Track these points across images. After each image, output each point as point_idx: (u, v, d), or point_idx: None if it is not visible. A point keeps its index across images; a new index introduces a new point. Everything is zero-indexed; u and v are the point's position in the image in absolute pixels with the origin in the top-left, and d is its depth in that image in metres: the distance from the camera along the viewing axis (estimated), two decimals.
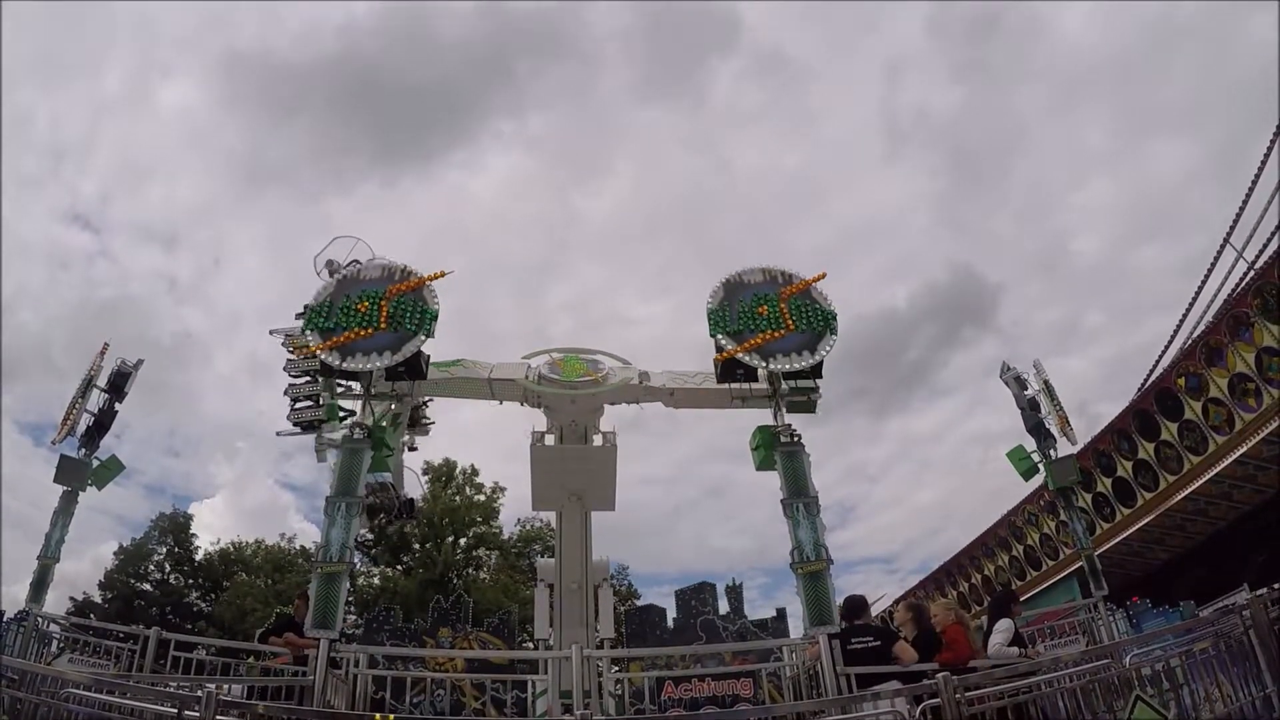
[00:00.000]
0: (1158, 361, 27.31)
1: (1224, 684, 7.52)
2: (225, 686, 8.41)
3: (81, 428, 11.79)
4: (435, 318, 11.44)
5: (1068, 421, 13.33)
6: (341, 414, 12.64)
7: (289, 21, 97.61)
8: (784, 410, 11.06)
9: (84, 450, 11.74)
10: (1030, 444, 13.62)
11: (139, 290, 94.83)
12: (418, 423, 15.29)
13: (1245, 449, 19.95)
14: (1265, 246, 22.65)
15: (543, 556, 32.09)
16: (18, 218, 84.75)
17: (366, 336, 10.99)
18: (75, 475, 11.49)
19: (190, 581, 49.61)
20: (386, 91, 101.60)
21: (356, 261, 12.85)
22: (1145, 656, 7.87)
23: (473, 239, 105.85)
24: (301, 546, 47.50)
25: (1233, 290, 22.21)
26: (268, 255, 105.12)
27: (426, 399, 14.79)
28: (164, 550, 49.48)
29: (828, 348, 11.31)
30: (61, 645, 11.26)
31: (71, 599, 44.53)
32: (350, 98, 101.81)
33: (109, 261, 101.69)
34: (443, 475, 44.73)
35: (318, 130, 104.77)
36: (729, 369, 11.35)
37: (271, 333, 13.64)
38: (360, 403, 10.95)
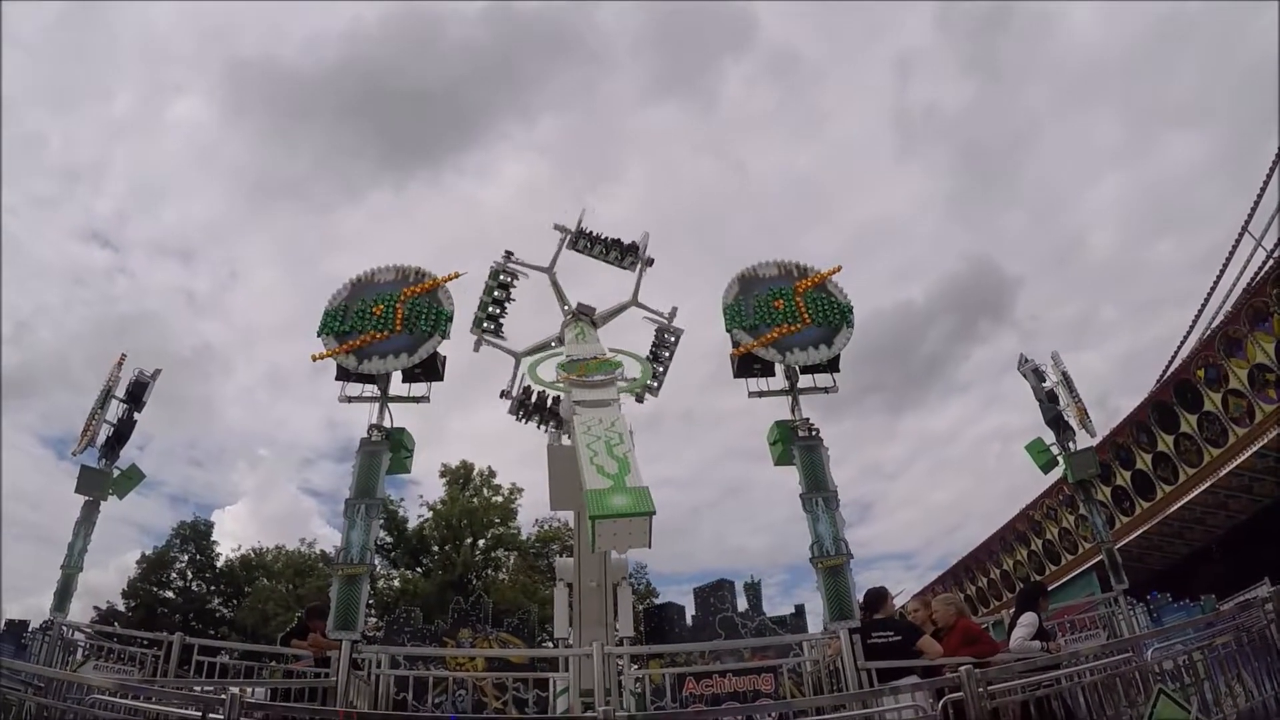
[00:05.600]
0: (1176, 353, 27.18)
1: (1245, 679, 7.48)
2: (249, 689, 8.48)
3: (101, 438, 11.85)
4: (450, 319, 11.50)
5: (1086, 413, 13.24)
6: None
7: (294, 29, 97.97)
8: (800, 405, 11.03)
9: (104, 460, 11.79)
10: (1049, 437, 13.55)
11: (158, 305, 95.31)
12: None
13: (1265, 441, 19.79)
14: None
15: (561, 556, 32.11)
16: (34, 238, 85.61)
17: (383, 339, 11.06)
18: (96, 485, 11.53)
19: (212, 588, 49.87)
20: (394, 97, 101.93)
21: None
22: (1166, 651, 7.84)
23: (486, 244, 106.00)
24: (321, 551, 47.69)
25: (1252, 280, 22.07)
26: (281, 268, 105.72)
27: None
28: (186, 558, 49.76)
29: (844, 341, 11.30)
30: (86, 653, 11.34)
31: (96, 608, 44.80)
32: (358, 105, 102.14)
33: (127, 277, 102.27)
34: (460, 478, 44.83)
35: (326, 139, 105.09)
36: (746, 364, 11.34)
37: None
38: (378, 406, 10.93)
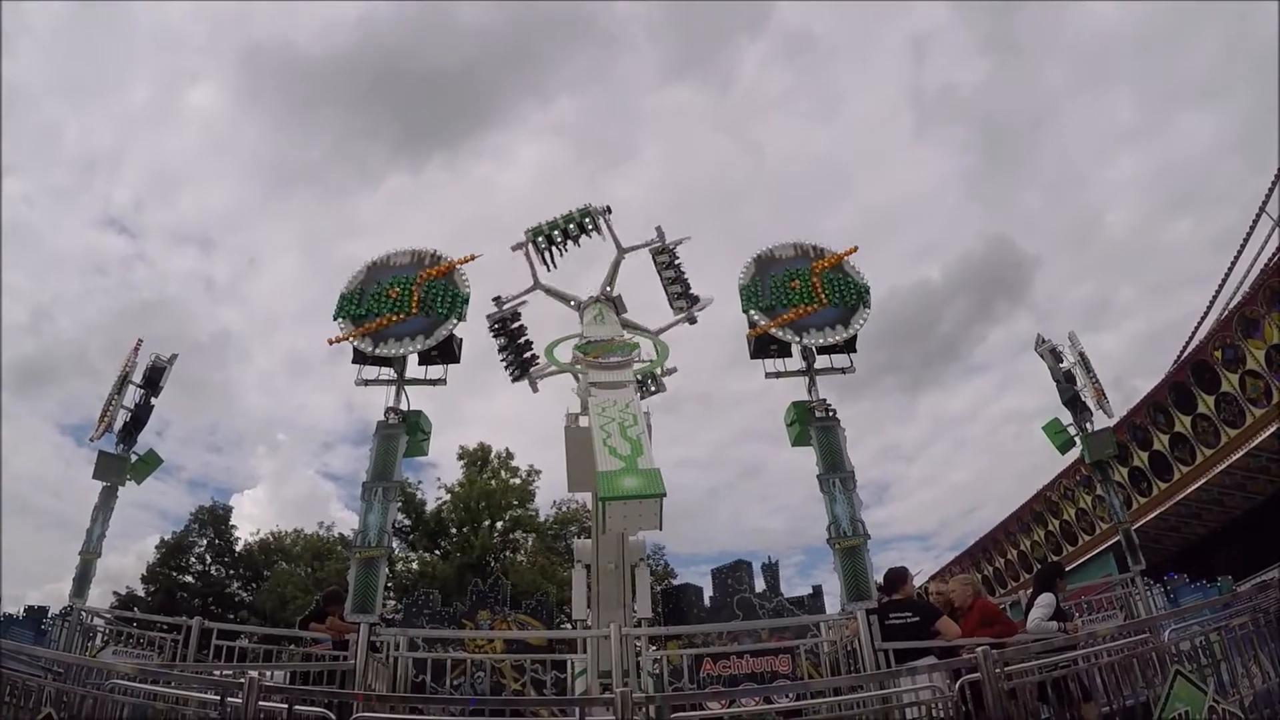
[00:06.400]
0: (1193, 334, 27.02)
1: (1262, 659, 7.46)
2: (268, 672, 8.54)
3: (119, 424, 11.91)
4: (467, 301, 11.51)
5: (1104, 394, 13.20)
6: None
7: (307, 14, 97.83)
8: (817, 385, 11.02)
9: (122, 446, 11.86)
10: (1066, 417, 13.50)
11: (177, 292, 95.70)
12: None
13: None
14: None
15: (579, 538, 32.21)
16: (52, 227, 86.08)
17: (399, 322, 11.08)
18: (113, 470, 11.61)
19: (231, 572, 50.20)
20: (409, 81, 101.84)
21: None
22: (1183, 632, 7.82)
23: (502, 227, 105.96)
24: (340, 534, 47.85)
25: (1270, 260, 21.91)
26: (299, 254, 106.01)
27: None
28: (205, 542, 50.07)
29: (861, 321, 11.29)
30: (106, 638, 11.42)
31: (115, 593, 45.14)
32: (372, 89, 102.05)
33: (146, 265, 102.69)
34: (478, 459, 44.90)
35: (341, 124, 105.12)
36: (762, 345, 11.34)
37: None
38: (395, 389, 10.96)
